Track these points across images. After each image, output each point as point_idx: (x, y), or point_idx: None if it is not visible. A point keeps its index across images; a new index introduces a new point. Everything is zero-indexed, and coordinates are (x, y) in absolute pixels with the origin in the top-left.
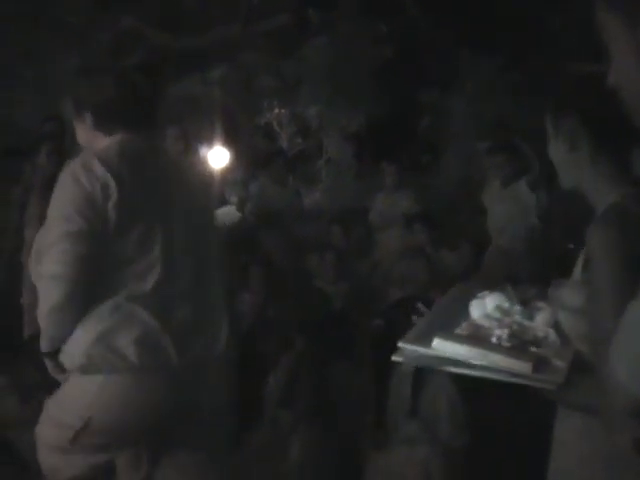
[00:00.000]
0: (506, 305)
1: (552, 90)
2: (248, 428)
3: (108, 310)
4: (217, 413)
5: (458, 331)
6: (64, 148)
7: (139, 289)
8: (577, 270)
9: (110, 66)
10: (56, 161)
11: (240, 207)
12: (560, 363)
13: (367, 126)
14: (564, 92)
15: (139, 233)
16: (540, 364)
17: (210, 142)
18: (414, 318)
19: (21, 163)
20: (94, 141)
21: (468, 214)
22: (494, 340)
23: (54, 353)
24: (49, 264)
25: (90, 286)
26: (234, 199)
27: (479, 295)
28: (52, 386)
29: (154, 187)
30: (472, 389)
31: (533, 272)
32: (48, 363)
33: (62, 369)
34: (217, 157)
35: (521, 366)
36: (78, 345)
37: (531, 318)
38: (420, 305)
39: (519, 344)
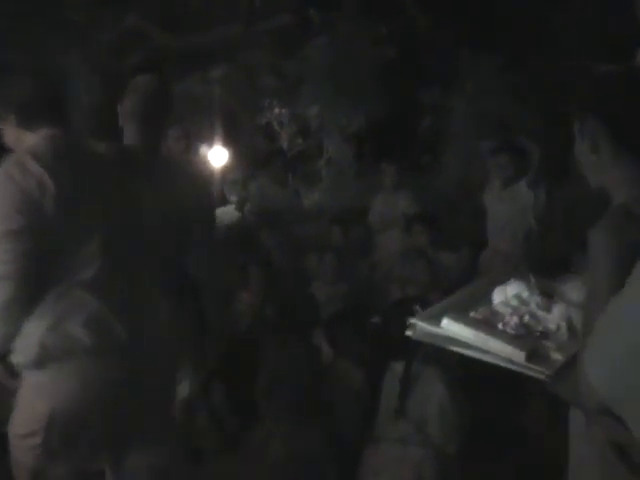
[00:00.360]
0: (525, 295)
1: (576, 91)
2: (243, 428)
3: (53, 299)
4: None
5: (472, 314)
6: None
7: (81, 277)
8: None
9: (30, 65)
10: None
11: (240, 207)
12: (558, 356)
13: (367, 126)
14: (587, 92)
15: (77, 224)
16: (535, 354)
17: (210, 142)
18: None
19: None
20: (21, 139)
21: (468, 215)
22: (500, 327)
23: (3, 356)
24: None
25: (36, 280)
26: (234, 199)
27: (504, 282)
28: None
29: (87, 179)
30: (466, 393)
31: (533, 272)
32: None
33: (12, 373)
34: (217, 157)
35: (515, 354)
36: (30, 338)
37: (548, 310)
38: (418, 307)
39: (524, 333)
